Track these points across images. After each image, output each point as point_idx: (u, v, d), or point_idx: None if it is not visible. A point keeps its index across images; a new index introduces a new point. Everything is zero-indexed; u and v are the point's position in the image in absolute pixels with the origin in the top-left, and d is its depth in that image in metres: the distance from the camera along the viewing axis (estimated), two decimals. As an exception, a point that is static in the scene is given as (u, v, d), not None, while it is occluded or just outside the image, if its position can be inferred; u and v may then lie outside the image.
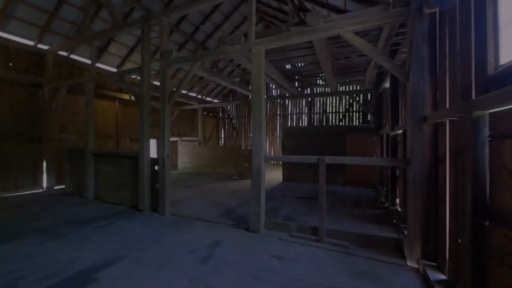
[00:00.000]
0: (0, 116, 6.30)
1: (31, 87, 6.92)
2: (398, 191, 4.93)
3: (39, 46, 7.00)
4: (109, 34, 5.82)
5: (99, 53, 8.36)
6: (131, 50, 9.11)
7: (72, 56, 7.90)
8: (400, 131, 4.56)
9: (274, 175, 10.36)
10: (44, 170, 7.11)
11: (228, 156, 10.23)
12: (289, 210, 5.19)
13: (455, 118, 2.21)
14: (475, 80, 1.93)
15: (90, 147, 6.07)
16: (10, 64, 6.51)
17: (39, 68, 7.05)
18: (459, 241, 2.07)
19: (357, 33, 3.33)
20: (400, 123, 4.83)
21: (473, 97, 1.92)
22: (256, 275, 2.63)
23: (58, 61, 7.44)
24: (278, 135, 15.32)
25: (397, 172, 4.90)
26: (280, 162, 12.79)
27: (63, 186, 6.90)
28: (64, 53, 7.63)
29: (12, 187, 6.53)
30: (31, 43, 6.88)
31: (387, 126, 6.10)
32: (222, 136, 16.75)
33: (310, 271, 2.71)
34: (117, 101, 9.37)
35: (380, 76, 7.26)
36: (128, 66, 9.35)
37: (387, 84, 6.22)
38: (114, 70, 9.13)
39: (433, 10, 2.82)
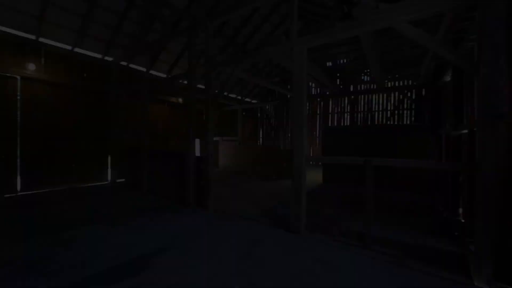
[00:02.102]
0: (78, 119, 7.53)
1: (100, 93, 8.08)
2: (461, 199, 4.30)
3: (106, 58, 8.13)
4: (161, 44, 6.42)
5: (152, 61, 9.28)
6: (179, 57, 9.88)
7: (131, 65, 8.94)
8: (465, 131, 3.97)
9: (313, 177, 10.06)
10: (109, 165, 8.25)
11: (267, 156, 10.30)
12: (330, 213, 4.99)
13: (544, 115, 1.83)
14: None
15: (145, 146, 6.80)
16: (85, 75, 7.72)
17: (105, 77, 8.20)
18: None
19: (412, 23, 3.02)
20: (464, 122, 4.21)
21: None
22: (298, 277, 2.60)
23: (120, 70, 8.53)
24: (317, 135, 14.82)
25: (461, 177, 4.28)
26: (320, 163, 12.35)
27: (123, 180, 7.88)
28: (124, 63, 8.69)
29: (86, 179, 7.73)
30: (99, 56, 8.02)
31: (447, 125, 5.39)
32: (261, 136, 16.94)
33: (356, 280, 2.57)
34: (166, 104, 10.28)
35: (439, 69, 6.44)
36: (175, 71, 10.18)
37: (447, 78, 5.49)
38: (164, 76, 10.03)
39: (513, -12, 2.39)
